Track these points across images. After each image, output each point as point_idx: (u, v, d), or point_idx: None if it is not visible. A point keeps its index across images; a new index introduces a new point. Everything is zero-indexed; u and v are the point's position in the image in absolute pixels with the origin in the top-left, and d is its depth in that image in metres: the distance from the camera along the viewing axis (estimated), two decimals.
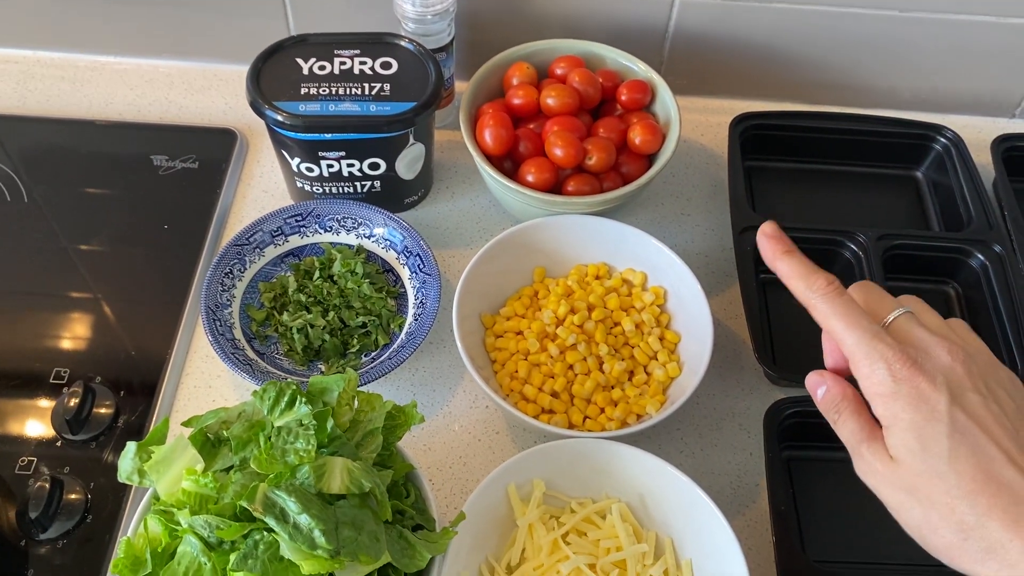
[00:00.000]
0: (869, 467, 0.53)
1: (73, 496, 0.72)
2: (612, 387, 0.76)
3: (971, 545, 0.48)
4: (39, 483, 0.71)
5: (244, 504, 0.53)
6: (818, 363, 0.83)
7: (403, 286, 0.84)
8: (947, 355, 0.52)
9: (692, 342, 0.78)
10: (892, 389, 0.51)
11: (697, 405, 0.80)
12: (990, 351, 0.55)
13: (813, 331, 0.85)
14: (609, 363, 0.77)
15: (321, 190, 0.87)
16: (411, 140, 0.83)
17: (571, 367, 0.77)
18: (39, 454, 0.75)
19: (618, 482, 0.70)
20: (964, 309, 0.87)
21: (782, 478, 0.71)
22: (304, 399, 0.61)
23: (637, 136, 0.83)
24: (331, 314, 0.81)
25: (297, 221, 0.85)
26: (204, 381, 0.80)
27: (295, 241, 0.86)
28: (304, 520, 0.53)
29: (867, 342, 0.52)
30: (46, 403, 0.78)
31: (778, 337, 0.84)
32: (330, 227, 0.86)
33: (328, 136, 0.80)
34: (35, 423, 0.77)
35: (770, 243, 0.59)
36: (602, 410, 0.75)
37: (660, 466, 0.68)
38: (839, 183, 0.97)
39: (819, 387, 0.59)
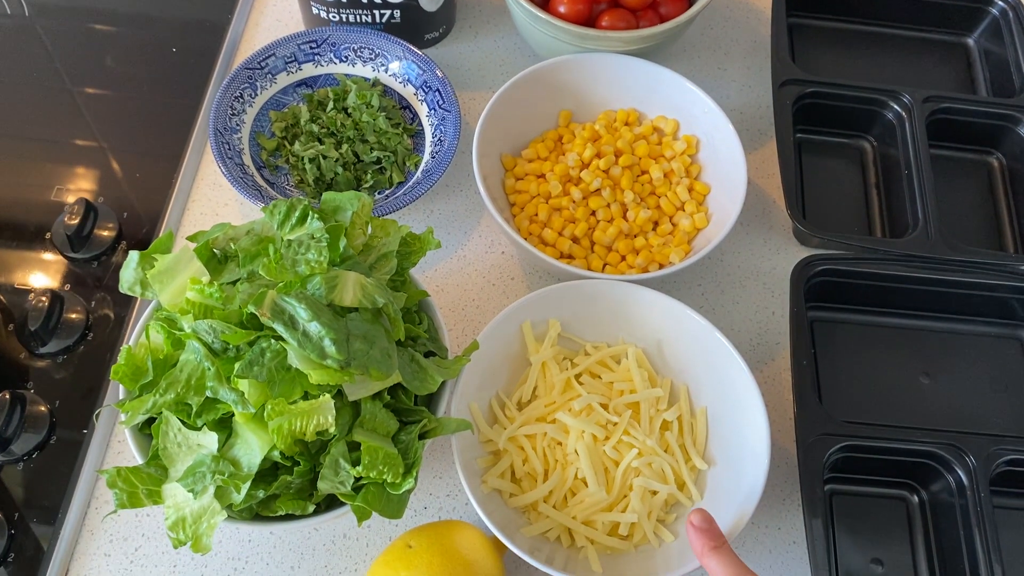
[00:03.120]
0: None
1: (74, 315, 0.70)
2: (635, 235, 0.73)
3: None
4: (38, 297, 0.69)
5: (252, 309, 0.51)
6: (847, 227, 0.80)
7: (420, 124, 0.80)
8: None
9: (722, 194, 0.74)
10: None
11: (721, 262, 0.77)
12: None
13: (845, 195, 0.82)
14: (634, 211, 0.73)
15: (337, 18, 0.82)
16: None
17: (594, 213, 0.74)
18: (40, 270, 0.72)
19: (635, 327, 0.67)
20: (1007, 181, 0.83)
21: (805, 334, 0.68)
22: (316, 215, 0.58)
23: None
24: (344, 147, 0.77)
25: (311, 48, 0.80)
26: (211, 208, 0.77)
27: (308, 70, 0.81)
28: (314, 328, 0.51)
29: None
30: (47, 221, 0.75)
31: (809, 197, 0.81)
32: (346, 57, 0.81)
33: None
34: (35, 240, 0.74)
35: (699, 536, 0.52)
36: (623, 258, 0.72)
37: (680, 310, 0.65)
38: (885, 46, 0.91)
39: None
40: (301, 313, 0.51)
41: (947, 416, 0.71)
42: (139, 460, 0.56)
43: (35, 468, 0.64)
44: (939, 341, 0.75)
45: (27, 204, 0.76)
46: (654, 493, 0.62)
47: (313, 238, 0.56)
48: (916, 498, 0.67)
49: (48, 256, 0.73)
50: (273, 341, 0.52)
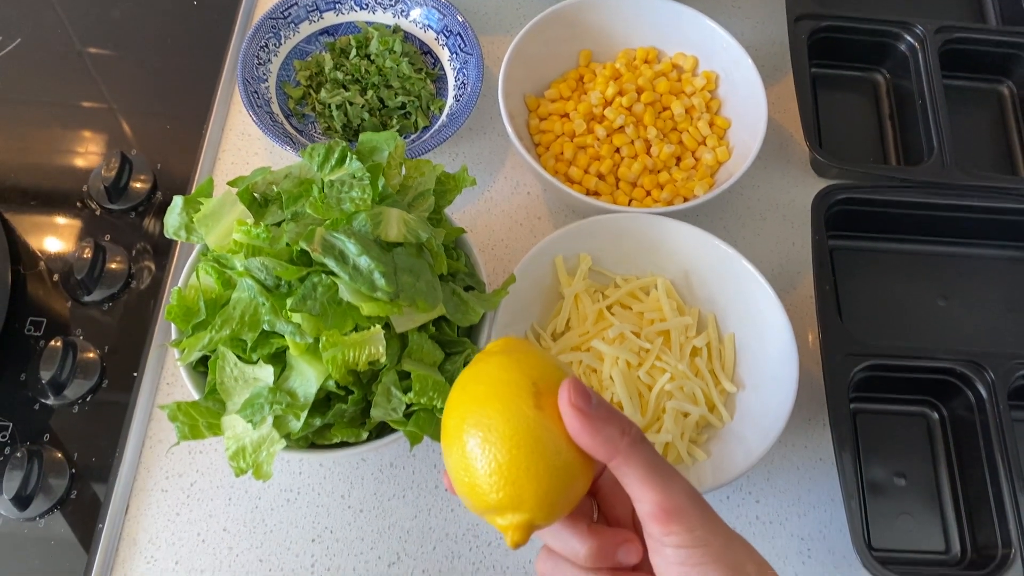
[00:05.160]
0: None
1: (115, 265, 0.72)
2: (659, 171, 0.75)
3: None
4: (82, 247, 0.71)
5: (303, 245, 0.53)
6: (862, 159, 0.82)
7: (443, 69, 0.82)
8: None
9: (742, 128, 0.76)
10: None
11: (741, 195, 0.79)
12: None
13: (860, 127, 0.84)
14: (657, 146, 0.75)
15: None
16: None
17: (618, 150, 0.75)
18: (79, 222, 0.74)
19: (663, 259, 0.70)
20: (1018, 109, 0.84)
21: (827, 262, 0.70)
22: (355, 156, 0.60)
23: None
24: (369, 93, 0.79)
25: None
26: (241, 158, 0.79)
27: (330, 18, 0.82)
28: (364, 262, 0.53)
29: None
30: (82, 175, 0.76)
31: (825, 130, 0.83)
32: (366, 4, 0.82)
33: None
34: (72, 194, 0.75)
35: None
36: (648, 193, 0.74)
37: (706, 239, 0.67)
38: None
39: None
40: (350, 248, 0.53)
41: (964, 337, 0.74)
42: (195, 396, 0.59)
43: (89, 411, 0.67)
44: (955, 265, 0.77)
45: (62, 159, 0.77)
46: (686, 415, 0.65)
47: (355, 177, 0.58)
48: (936, 414, 0.70)
49: (86, 209, 0.75)
50: (324, 276, 0.54)
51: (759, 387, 0.65)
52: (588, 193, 0.74)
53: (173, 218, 0.61)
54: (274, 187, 0.61)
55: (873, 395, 0.70)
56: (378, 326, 0.54)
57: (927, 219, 0.76)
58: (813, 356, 0.72)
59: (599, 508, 0.46)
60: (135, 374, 0.68)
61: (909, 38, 0.82)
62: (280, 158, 0.79)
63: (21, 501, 0.62)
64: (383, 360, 0.55)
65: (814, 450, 0.69)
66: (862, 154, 0.82)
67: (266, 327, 0.54)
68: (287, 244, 0.55)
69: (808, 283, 0.75)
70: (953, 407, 0.69)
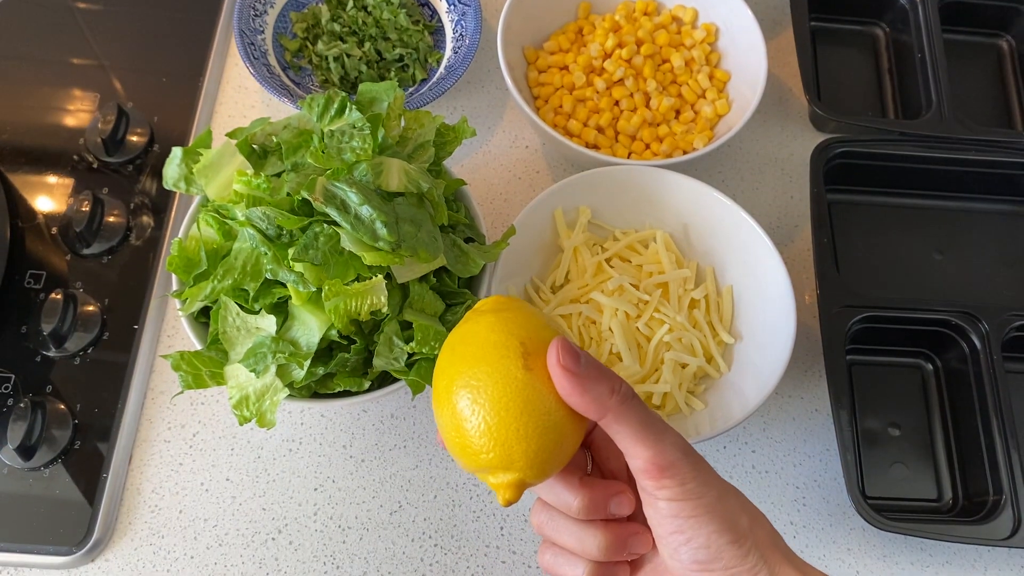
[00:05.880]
0: None
1: (113, 219, 0.72)
2: (659, 124, 0.75)
3: None
4: (80, 200, 0.71)
5: (305, 194, 0.53)
6: (861, 113, 0.82)
7: (440, 21, 0.81)
8: None
9: (741, 81, 0.75)
10: None
11: (740, 149, 0.79)
12: None
13: (858, 82, 0.84)
14: (657, 99, 0.75)
15: None
16: None
17: (617, 103, 0.75)
18: (76, 175, 0.74)
19: (662, 212, 0.70)
20: (1017, 63, 0.84)
21: (825, 215, 0.71)
22: (354, 106, 0.59)
23: None
24: (367, 45, 0.78)
25: None
26: (238, 111, 0.78)
27: None
28: (366, 211, 0.53)
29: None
30: (78, 129, 0.76)
31: (824, 85, 0.82)
32: None
33: None
34: (68, 147, 0.75)
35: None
36: (647, 146, 0.74)
37: (705, 192, 0.67)
38: None
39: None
40: (352, 197, 0.53)
41: (959, 291, 0.75)
42: (196, 346, 0.59)
43: (91, 363, 0.67)
44: (951, 219, 0.77)
45: (55, 117, 0.77)
46: (684, 366, 0.65)
47: (355, 127, 0.58)
48: (931, 366, 0.71)
49: (83, 163, 0.74)
50: (325, 226, 0.54)
51: (756, 339, 0.66)
52: (587, 146, 0.74)
53: (172, 169, 0.60)
54: (273, 138, 0.61)
55: (869, 347, 0.70)
56: (380, 276, 0.54)
57: (924, 173, 0.76)
58: (810, 309, 0.72)
59: (593, 460, 0.46)
60: (135, 326, 0.68)
61: None
62: (277, 111, 0.78)
63: (25, 451, 0.63)
64: (385, 310, 0.55)
65: (810, 401, 0.70)
66: (861, 108, 0.82)
67: (268, 276, 0.54)
68: (288, 194, 0.55)
69: (806, 236, 0.75)
70: (947, 358, 0.70)
